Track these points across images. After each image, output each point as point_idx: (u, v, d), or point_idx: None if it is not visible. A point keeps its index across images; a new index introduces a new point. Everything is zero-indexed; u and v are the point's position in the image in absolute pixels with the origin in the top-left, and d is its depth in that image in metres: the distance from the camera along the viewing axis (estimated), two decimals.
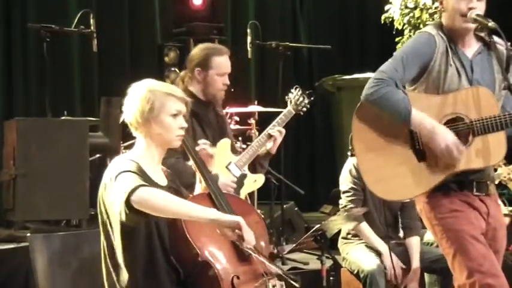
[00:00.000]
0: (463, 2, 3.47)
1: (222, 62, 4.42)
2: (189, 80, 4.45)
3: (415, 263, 4.89)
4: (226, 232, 3.06)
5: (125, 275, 3.14)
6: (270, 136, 4.48)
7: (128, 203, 2.95)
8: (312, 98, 4.91)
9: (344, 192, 5.00)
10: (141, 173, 3.13)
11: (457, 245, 3.45)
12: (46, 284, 3.40)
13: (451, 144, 3.41)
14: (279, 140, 4.51)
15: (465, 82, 3.51)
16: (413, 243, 4.97)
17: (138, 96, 3.22)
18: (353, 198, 4.95)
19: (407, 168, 3.50)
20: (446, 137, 3.42)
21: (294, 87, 4.88)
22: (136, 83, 3.29)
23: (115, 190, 3.05)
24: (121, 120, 3.34)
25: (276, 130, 4.49)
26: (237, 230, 3.03)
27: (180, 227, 3.16)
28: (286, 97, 4.85)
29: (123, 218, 3.01)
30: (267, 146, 4.51)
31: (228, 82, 4.46)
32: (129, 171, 3.08)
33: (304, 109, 4.85)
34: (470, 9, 3.46)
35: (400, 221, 5.12)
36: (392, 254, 4.83)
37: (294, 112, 4.74)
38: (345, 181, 5.01)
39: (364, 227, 4.92)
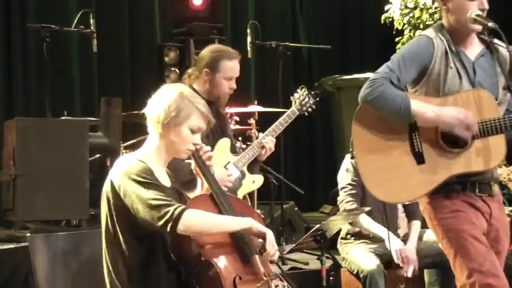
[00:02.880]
0: (472, 5, 3.46)
1: (231, 66, 4.44)
2: (195, 78, 4.47)
3: (412, 242, 4.89)
4: (254, 241, 3.22)
5: (125, 273, 3.14)
6: (262, 146, 4.52)
7: (173, 228, 3.03)
8: (317, 99, 4.90)
9: (342, 188, 5.00)
10: (150, 174, 3.14)
11: (457, 245, 3.45)
12: (46, 284, 3.40)
13: (457, 113, 3.40)
14: (272, 148, 4.57)
15: (466, 84, 3.50)
16: (414, 225, 5.01)
17: (169, 97, 3.23)
18: (351, 192, 4.94)
19: (406, 171, 3.49)
20: (450, 112, 3.41)
21: (300, 87, 4.88)
22: (170, 84, 3.35)
23: (139, 200, 3.07)
24: (142, 111, 3.32)
25: (268, 140, 4.54)
26: (261, 240, 3.20)
27: None
28: (292, 97, 4.84)
29: (152, 226, 3.08)
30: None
31: (234, 86, 4.48)
32: (150, 182, 3.10)
33: (310, 109, 4.87)
34: (482, 11, 3.45)
35: (399, 219, 5.13)
36: (394, 236, 4.82)
37: (298, 113, 4.76)
38: (343, 178, 5.01)
39: (362, 217, 4.91)
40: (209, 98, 4.43)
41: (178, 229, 3.03)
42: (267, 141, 4.54)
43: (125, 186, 3.11)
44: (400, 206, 5.12)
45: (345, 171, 5.01)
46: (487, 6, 3.47)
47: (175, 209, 3.03)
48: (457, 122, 3.41)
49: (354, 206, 4.88)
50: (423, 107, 3.44)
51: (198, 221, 3.09)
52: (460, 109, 3.43)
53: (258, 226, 3.20)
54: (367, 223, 4.92)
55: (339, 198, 5.02)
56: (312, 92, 4.91)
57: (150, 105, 3.27)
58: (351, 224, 5.00)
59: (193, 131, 3.25)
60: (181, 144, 3.25)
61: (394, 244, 4.79)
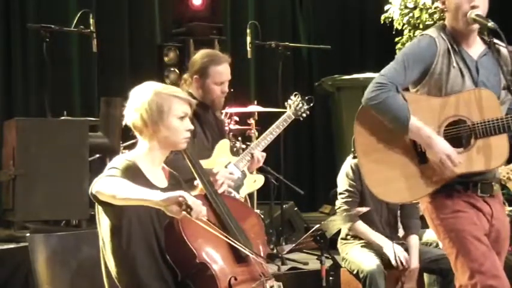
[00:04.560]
0: (465, 1, 3.46)
1: (220, 71, 4.43)
2: (189, 84, 4.49)
3: (414, 262, 4.89)
4: (174, 209, 2.90)
5: (122, 276, 3.14)
6: (252, 156, 4.54)
7: (92, 189, 3.05)
8: (311, 104, 4.95)
9: (340, 193, 5.01)
10: (135, 171, 3.14)
11: (459, 246, 3.44)
12: (46, 284, 3.40)
13: (444, 156, 3.39)
14: (260, 161, 4.57)
15: (469, 83, 3.49)
16: (412, 242, 4.97)
17: (145, 99, 3.22)
18: (348, 200, 4.95)
19: (408, 171, 3.49)
20: (439, 149, 3.40)
21: (294, 93, 4.96)
22: (139, 86, 3.29)
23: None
24: (124, 123, 3.32)
25: (257, 152, 4.55)
26: (180, 199, 2.89)
27: (177, 228, 3.16)
28: (286, 103, 4.90)
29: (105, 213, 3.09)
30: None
31: (226, 90, 4.47)
32: (115, 168, 3.10)
33: (304, 115, 4.95)
34: (472, 7, 3.45)
35: (399, 220, 5.12)
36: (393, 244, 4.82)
37: (293, 117, 4.83)
38: (342, 183, 5.02)
39: (359, 224, 4.92)
40: (205, 102, 4.45)
41: (93, 190, 3.05)
42: (254, 152, 4.57)
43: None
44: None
45: (344, 175, 5.01)
46: (477, 2, 3.46)
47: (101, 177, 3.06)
48: (442, 158, 3.40)
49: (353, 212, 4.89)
50: (420, 130, 3.42)
51: (108, 184, 3.01)
52: (449, 149, 3.40)
53: (170, 195, 2.89)
54: (365, 229, 4.93)
55: (337, 203, 5.03)
56: (306, 98, 4.97)
57: (130, 114, 3.25)
58: (349, 230, 5.00)
59: (181, 118, 3.25)
60: (175, 136, 3.25)
61: (392, 250, 4.80)
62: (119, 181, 3.03)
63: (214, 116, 4.54)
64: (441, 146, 3.41)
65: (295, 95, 4.92)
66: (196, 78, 4.43)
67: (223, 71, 4.45)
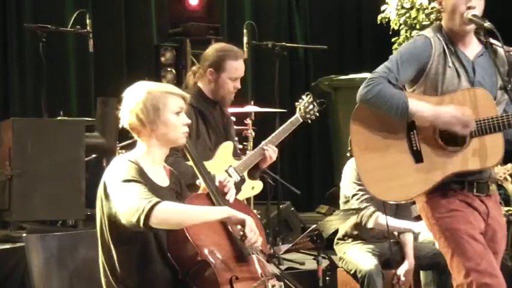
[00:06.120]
0: (461, 2, 3.47)
1: (236, 66, 4.36)
2: (200, 77, 4.41)
3: (409, 256, 4.90)
4: (234, 228, 3.14)
5: (121, 274, 3.14)
6: (263, 152, 4.45)
7: (146, 222, 2.96)
8: (323, 106, 4.83)
9: (353, 196, 4.94)
10: (141, 174, 3.13)
11: (454, 245, 3.44)
12: (42, 285, 3.39)
13: (454, 111, 3.40)
14: (273, 157, 4.45)
15: (465, 83, 3.50)
16: (407, 238, 4.98)
17: (139, 100, 3.20)
18: (364, 197, 4.89)
19: (404, 170, 3.49)
20: (447, 110, 3.42)
21: (306, 93, 4.77)
22: (131, 88, 3.27)
23: (119, 200, 3.04)
24: (120, 126, 3.30)
25: (269, 148, 4.43)
26: (239, 226, 3.09)
27: None
28: (296, 103, 4.73)
29: (130, 227, 3.03)
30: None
31: (239, 86, 4.41)
32: (133, 180, 3.07)
33: (313, 117, 4.75)
34: (469, 8, 3.46)
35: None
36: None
37: (301, 120, 4.67)
38: (350, 186, 4.97)
39: (382, 219, 4.82)
40: (213, 98, 4.39)
41: (152, 223, 2.96)
42: (267, 149, 4.47)
43: (110, 189, 3.10)
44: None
45: (350, 177, 4.95)
46: (474, 3, 3.47)
47: (147, 203, 2.97)
48: (454, 120, 3.41)
49: (372, 209, 4.87)
50: (421, 106, 3.44)
51: (171, 212, 3.01)
52: (457, 106, 3.43)
53: (236, 214, 3.10)
54: (390, 221, 4.83)
55: (353, 207, 4.92)
56: (318, 101, 4.80)
57: (125, 115, 3.23)
58: (371, 229, 4.96)
59: (177, 113, 3.24)
60: (174, 132, 3.24)
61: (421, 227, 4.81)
62: (179, 206, 3.08)
63: (222, 113, 4.47)
64: (445, 109, 3.42)
65: (307, 95, 4.74)
66: (211, 71, 4.34)
67: (239, 67, 4.38)
